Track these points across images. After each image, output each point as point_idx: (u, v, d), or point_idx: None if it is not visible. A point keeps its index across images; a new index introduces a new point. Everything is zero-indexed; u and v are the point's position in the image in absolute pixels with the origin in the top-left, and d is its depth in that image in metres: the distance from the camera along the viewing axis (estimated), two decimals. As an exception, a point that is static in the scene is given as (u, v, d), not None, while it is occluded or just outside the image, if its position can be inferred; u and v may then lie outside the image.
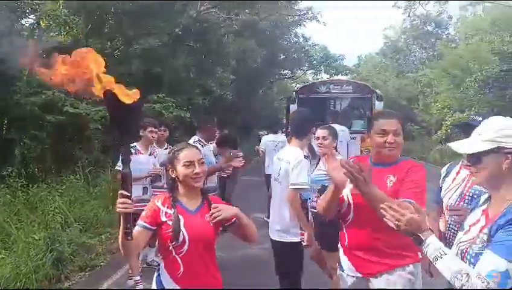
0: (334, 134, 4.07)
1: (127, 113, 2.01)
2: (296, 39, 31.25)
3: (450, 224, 2.83)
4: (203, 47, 15.63)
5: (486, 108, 16.88)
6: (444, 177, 2.98)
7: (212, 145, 4.98)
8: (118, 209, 2.07)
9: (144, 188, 4.80)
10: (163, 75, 12.91)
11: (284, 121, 17.06)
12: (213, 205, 2.32)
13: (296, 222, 3.44)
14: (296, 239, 3.46)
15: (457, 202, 2.75)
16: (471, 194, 2.68)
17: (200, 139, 4.79)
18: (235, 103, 20.83)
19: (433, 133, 23.98)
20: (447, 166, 3.04)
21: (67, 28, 11.56)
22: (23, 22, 10.68)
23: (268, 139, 8.58)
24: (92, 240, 6.36)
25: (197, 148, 2.48)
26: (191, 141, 4.64)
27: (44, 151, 9.38)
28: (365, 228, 2.42)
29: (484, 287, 1.57)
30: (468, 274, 1.62)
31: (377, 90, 14.26)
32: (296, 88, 16.52)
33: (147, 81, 12.75)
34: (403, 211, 1.78)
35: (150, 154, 4.91)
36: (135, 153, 4.72)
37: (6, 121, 9.06)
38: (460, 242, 1.84)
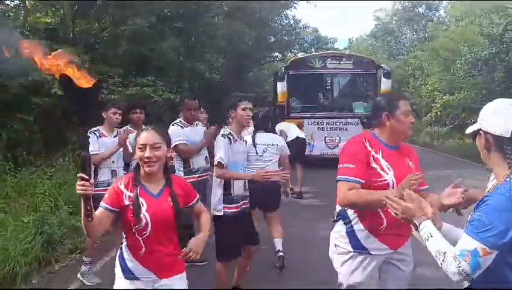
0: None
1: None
2: (287, 21, 30.91)
3: None
4: (192, 29, 15.39)
5: (475, 90, 16.92)
6: None
7: (199, 127, 4.96)
8: (77, 192, 2.09)
9: (112, 171, 4.64)
10: (152, 57, 12.74)
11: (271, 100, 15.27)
12: (183, 250, 2.32)
13: (221, 199, 3.77)
14: (219, 213, 3.77)
15: None
16: None
17: (182, 120, 4.87)
18: (225, 85, 20.64)
19: (422, 116, 24.04)
20: None
21: (54, 8, 11.34)
22: (8, 2, 10.49)
23: None
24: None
25: (160, 132, 2.44)
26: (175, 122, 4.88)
27: (32, 134, 9.27)
28: None
29: (456, 266, 1.63)
30: (445, 253, 1.69)
31: (384, 66, 12.09)
32: (285, 64, 14.22)
33: (135, 63, 12.61)
34: (399, 201, 1.97)
35: (115, 137, 4.69)
36: (99, 136, 4.57)
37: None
38: None
